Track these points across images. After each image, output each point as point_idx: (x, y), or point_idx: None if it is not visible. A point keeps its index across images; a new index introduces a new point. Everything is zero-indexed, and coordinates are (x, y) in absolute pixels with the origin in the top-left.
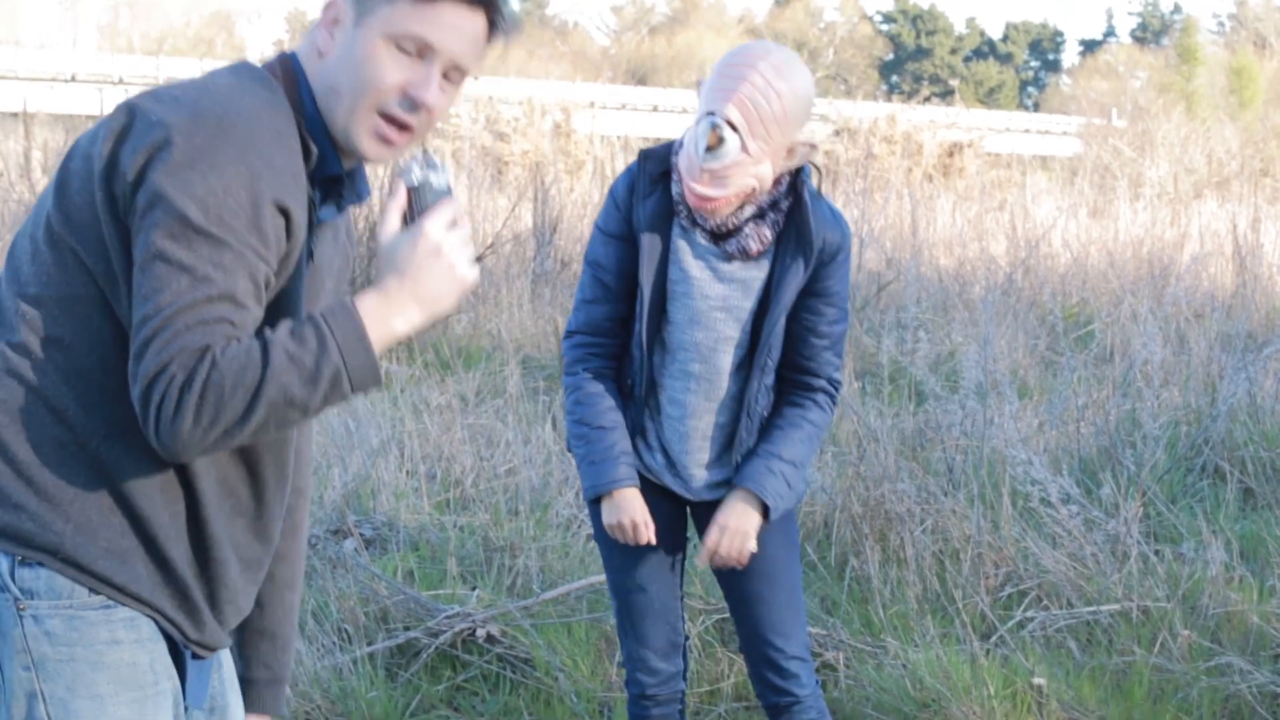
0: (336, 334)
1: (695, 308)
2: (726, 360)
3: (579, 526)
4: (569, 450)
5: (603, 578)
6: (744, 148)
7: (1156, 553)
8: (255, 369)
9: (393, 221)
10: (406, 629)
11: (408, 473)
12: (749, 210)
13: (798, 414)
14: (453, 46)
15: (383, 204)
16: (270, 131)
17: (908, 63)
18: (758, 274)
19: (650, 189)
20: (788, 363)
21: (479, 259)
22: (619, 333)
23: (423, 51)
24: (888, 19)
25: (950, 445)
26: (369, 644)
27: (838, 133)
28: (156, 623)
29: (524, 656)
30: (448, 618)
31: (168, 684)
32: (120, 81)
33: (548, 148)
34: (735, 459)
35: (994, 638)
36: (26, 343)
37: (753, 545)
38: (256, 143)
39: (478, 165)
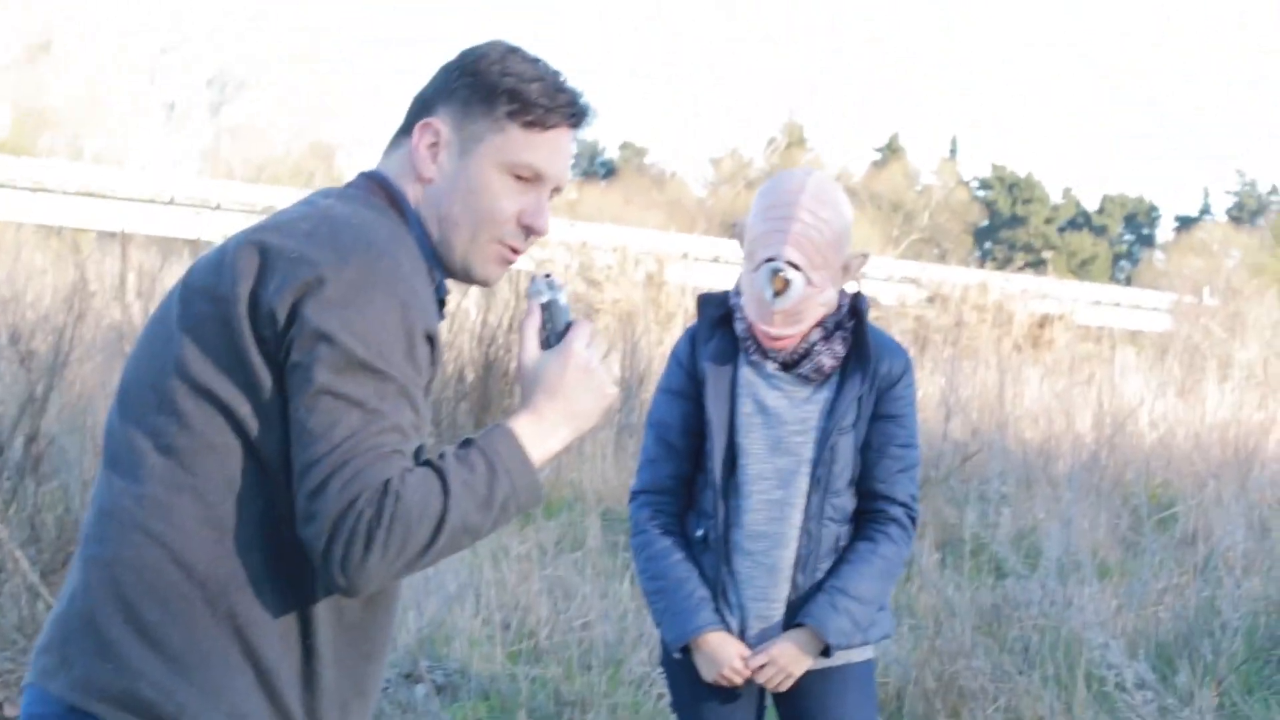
0: (505, 459)
1: (775, 435)
2: (805, 483)
3: (651, 685)
4: (650, 607)
5: None
6: (809, 282)
7: None
8: (438, 499)
9: (533, 341)
10: None
11: (483, 620)
12: (816, 333)
13: (868, 548)
14: (561, 171)
15: (518, 328)
16: (409, 261)
17: (1002, 230)
18: (828, 394)
19: (711, 332)
20: (863, 490)
21: None
22: (683, 491)
23: (535, 179)
24: (984, 185)
25: (1028, 623)
26: None
27: (930, 299)
28: None
29: None
30: None
31: None
32: (218, 207)
33: (639, 297)
34: (797, 578)
35: None
36: (155, 495)
37: (791, 681)
38: (401, 273)
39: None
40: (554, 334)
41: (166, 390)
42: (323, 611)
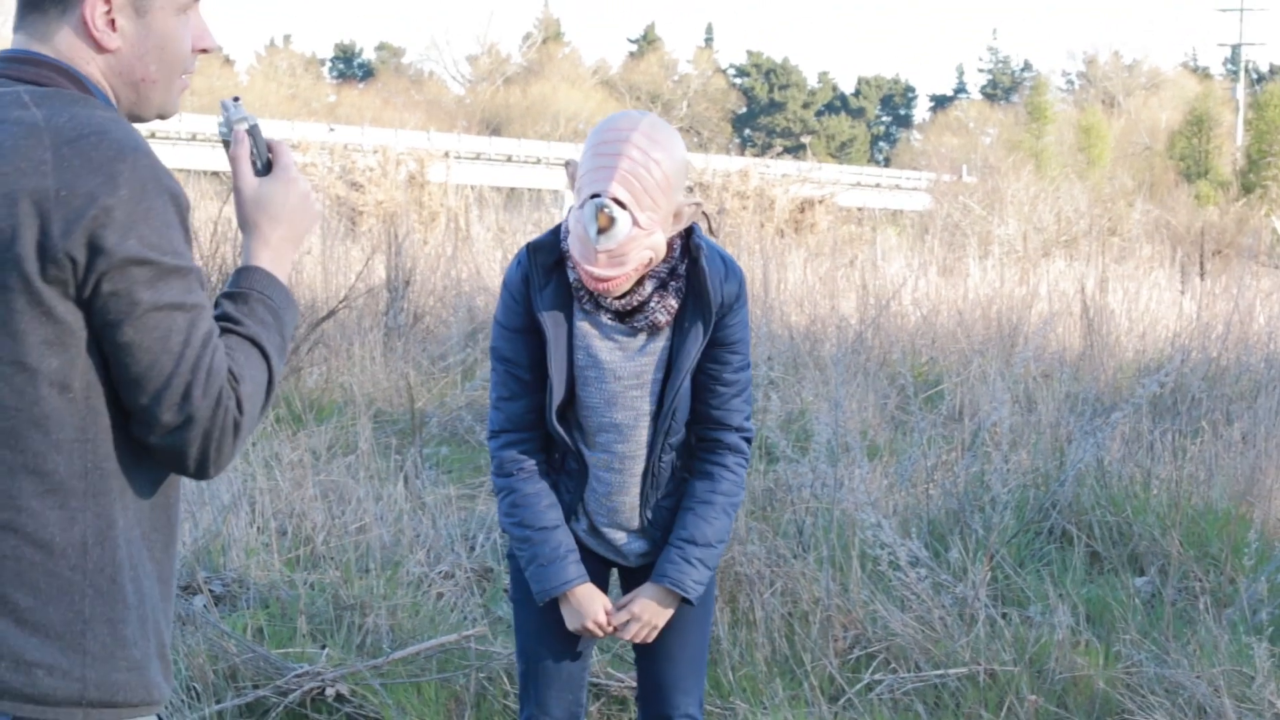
0: (277, 301)
1: (611, 390)
2: (645, 434)
3: (429, 585)
4: (515, 551)
5: (453, 637)
6: (635, 222)
7: (1004, 616)
8: (263, 370)
9: (248, 169)
10: (255, 687)
11: (258, 529)
12: (650, 284)
13: (707, 489)
14: None
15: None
16: (143, 141)
17: (760, 116)
18: (664, 343)
19: (545, 279)
20: (697, 416)
21: (333, 313)
22: (542, 423)
23: (194, 4)
24: (741, 72)
25: (800, 507)
26: (217, 702)
27: (690, 188)
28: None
29: (373, 716)
30: (297, 676)
31: None
32: None
33: (402, 198)
34: (645, 517)
35: (842, 700)
36: None
37: (656, 632)
38: (156, 163)
39: (332, 215)
40: (260, 158)
41: None
42: (148, 515)
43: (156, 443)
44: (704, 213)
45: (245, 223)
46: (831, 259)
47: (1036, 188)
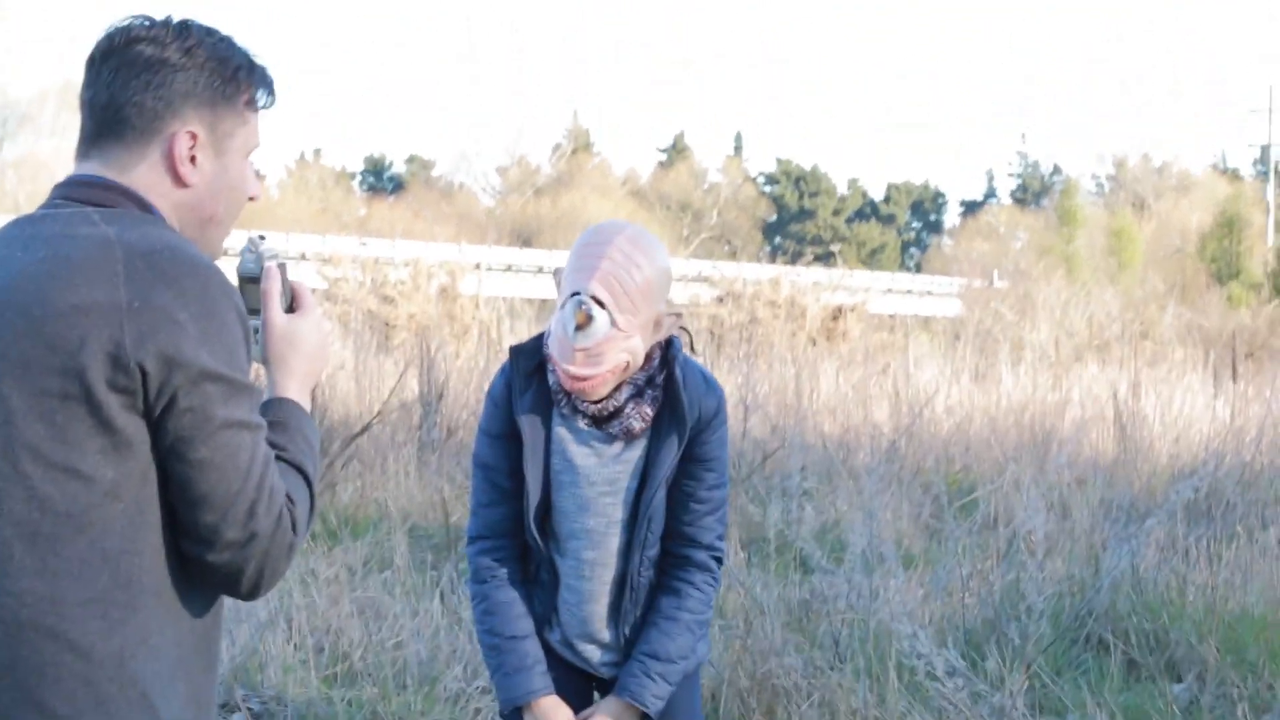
0: (309, 434)
1: (584, 495)
2: (616, 543)
3: (467, 700)
4: (485, 660)
5: None
6: (613, 322)
7: None
8: (306, 494)
9: (278, 304)
10: None
11: (295, 646)
12: (627, 390)
13: (673, 605)
14: None
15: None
16: (212, 261)
17: (791, 224)
18: (638, 452)
19: (526, 383)
20: (668, 531)
21: (367, 428)
22: (520, 531)
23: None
24: (771, 180)
25: (836, 618)
26: None
27: (721, 299)
28: None
29: None
30: None
31: None
32: None
33: (434, 311)
34: (623, 633)
35: None
36: (34, 589)
37: None
38: (225, 280)
39: (365, 329)
40: (285, 295)
41: (14, 478)
42: (188, 636)
43: (215, 560)
44: (684, 328)
45: (272, 355)
46: (864, 367)
47: (1068, 292)
